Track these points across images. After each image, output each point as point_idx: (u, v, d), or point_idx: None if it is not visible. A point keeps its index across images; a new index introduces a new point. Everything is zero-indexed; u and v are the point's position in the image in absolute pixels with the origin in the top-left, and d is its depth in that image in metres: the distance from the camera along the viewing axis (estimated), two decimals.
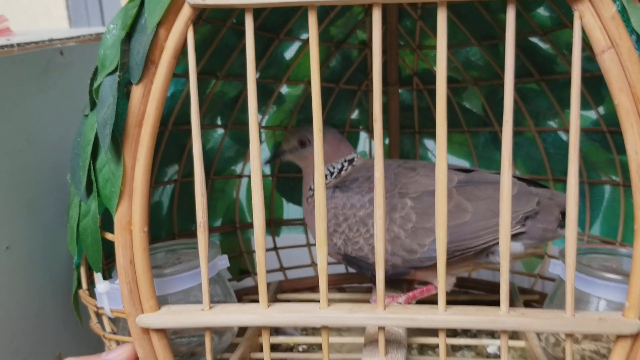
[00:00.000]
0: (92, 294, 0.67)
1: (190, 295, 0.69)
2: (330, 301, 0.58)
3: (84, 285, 0.69)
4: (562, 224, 0.69)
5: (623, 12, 0.52)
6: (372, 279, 0.79)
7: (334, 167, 0.84)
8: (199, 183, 0.58)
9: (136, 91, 0.57)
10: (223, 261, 0.72)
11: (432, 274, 0.74)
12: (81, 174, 0.61)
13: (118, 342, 0.65)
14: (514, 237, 0.71)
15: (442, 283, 0.56)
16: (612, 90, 0.53)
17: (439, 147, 0.55)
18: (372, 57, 0.54)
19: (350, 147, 0.87)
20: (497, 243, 0.69)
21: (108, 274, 0.75)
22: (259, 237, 0.58)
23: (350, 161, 0.85)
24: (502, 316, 0.55)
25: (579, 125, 0.55)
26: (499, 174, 0.73)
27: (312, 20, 0.54)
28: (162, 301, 0.62)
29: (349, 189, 0.77)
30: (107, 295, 0.63)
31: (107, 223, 0.61)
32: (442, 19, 0.54)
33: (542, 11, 0.81)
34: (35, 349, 0.76)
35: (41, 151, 0.77)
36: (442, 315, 0.56)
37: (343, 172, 0.83)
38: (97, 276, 0.64)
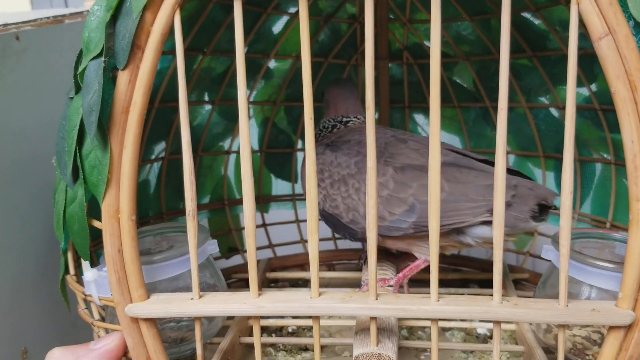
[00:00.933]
0: (80, 280, 0.67)
1: (180, 281, 0.68)
2: (320, 281, 0.58)
3: (71, 270, 0.68)
4: (536, 216, 0.68)
5: None
6: (348, 238, 0.79)
7: (324, 125, 0.85)
8: (188, 171, 0.57)
9: (122, 77, 0.55)
10: (212, 246, 0.71)
11: (402, 243, 0.74)
12: (67, 159, 0.60)
13: (107, 330, 0.64)
14: (485, 222, 0.71)
15: (434, 273, 0.56)
16: (609, 77, 0.52)
17: (432, 123, 0.54)
18: (365, 36, 0.53)
19: (354, 107, 0.86)
20: (468, 226, 0.71)
21: (96, 257, 0.74)
22: (248, 223, 0.57)
23: (345, 122, 0.84)
24: (495, 307, 0.55)
25: (574, 112, 0.53)
26: (487, 162, 0.74)
27: (303, 2, 0.53)
28: (151, 287, 0.61)
29: (338, 149, 0.77)
30: (95, 283, 0.62)
31: (94, 209, 0.60)
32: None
33: None
34: (1, 343, 0.75)
35: (1, 138, 0.75)
36: (435, 306, 0.55)
37: (335, 130, 0.84)
38: (85, 264, 0.63)
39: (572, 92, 0.52)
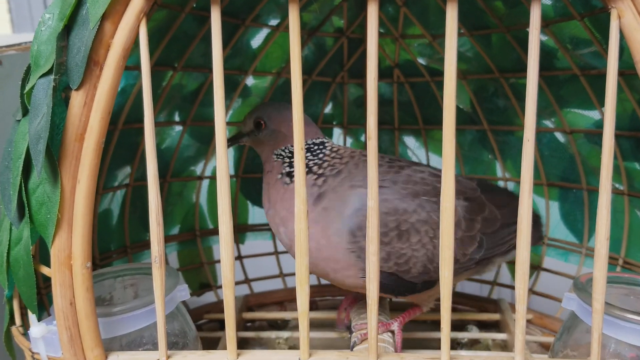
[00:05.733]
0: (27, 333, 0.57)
1: (144, 336, 0.58)
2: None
3: (17, 321, 0.58)
4: None
5: None
6: (395, 294, 0.68)
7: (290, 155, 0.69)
8: (154, 209, 0.48)
9: (76, 98, 0.47)
10: (183, 292, 0.61)
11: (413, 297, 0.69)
12: (11, 192, 0.51)
13: None
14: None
15: (445, 330, 0.47)
16: None
17: (445, 157, 0.46)
18: (367, 57, 0.45)
19: (316, 128, 0.71)
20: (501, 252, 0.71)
21: (48, 301, 0.64)
22: (226, 273, 0.48)
23: (321, 145, 0.69)
24: None
25: (612, 145, 0.45)
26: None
27: (294, 16, 0.44)
28: (110, 342, 0.52)
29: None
30: (43, 340, 0.52)
31: (44, 253, 0.51)
32: (452, 12, 0.44)
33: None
34: None
35: None
36: None
37: (326, 159, 0.68)
38: (32, 317, 0.53)
39: (611, 117, 0.44)
